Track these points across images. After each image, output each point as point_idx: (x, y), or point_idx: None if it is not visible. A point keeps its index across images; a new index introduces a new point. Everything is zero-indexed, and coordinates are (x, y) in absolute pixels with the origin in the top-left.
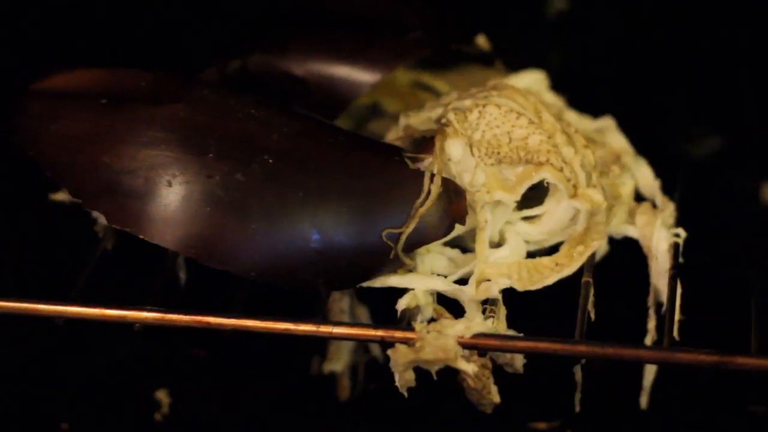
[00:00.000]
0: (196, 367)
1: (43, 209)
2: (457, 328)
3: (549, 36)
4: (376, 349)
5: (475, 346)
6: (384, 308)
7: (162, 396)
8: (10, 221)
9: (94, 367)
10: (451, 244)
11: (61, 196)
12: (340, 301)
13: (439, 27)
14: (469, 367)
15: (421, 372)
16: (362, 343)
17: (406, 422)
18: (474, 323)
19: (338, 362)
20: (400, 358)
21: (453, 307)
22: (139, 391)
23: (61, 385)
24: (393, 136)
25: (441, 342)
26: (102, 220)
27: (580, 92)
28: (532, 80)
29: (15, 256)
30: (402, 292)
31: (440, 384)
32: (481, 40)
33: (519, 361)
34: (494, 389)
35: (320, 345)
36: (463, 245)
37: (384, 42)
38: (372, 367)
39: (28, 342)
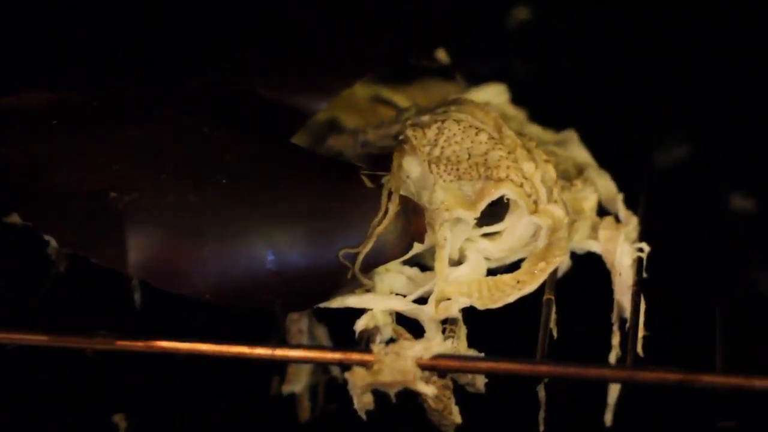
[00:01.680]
0: (154, 390)
1: None
2: (416, 350)
3: (511, 46)
4: (336, 369)
5: (434, 368)
6: (345, 327)
7: (119, 420)
8: None
9: (49, 390)
10: (411, 262)
11: (13, 218)
12: (299, 322)
13: (398, 41)
14: (428, 389)
15: (382, 391)
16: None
17: None
18: (433, 344)
19: (297, 383)
20: (357, 381)
21: (414, 326)
22: (96, 415)
23: (15, 411)
24: (351, 152)
25: (399, 364)
26: (54, 242)
27: (543, 103)
28: (493, 93)
29: None
30: (361, 312)
31: (401, 404)
32: (441, 54)
33: (480, 380)
34: (455, 410)
35: (279, 365)
36: (423, 263)
37: (342, 57)
38: (332, 386)
39: None
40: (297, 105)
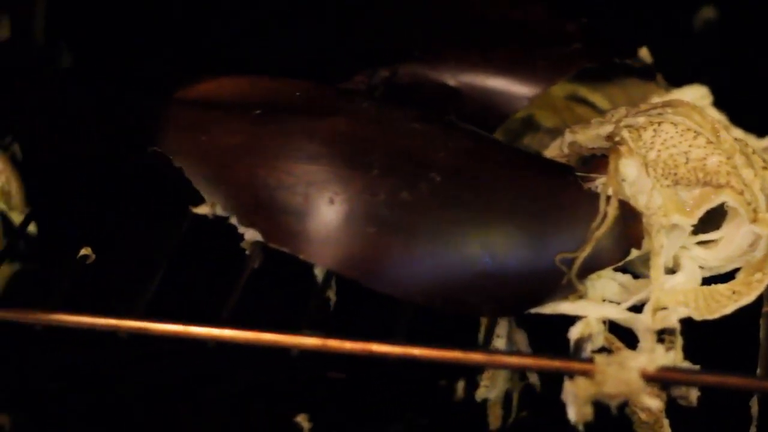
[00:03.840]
0: (336, 391)
1: (184, 224)
2: (640, 361)
3: (697, 48)
4: (534, 376)
5: (659, 380)
6: (541, 333)
7: (302, 420)
8: (150, 237)
9: (232, 391)
10: (621, 269)
11: (204, 209)
12: (498, 326)
13: (600, 38)
14: (654, 403)
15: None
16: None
17: None
18: (657, 355)
19: (493, 389)
20: (579, 391)
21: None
22: (279, 415)
23: (199, 411)
24: (553, 152)
25: (623, 375)
26: (249, 236)
27: (734, 108)
28: (696, 96)
29: (158, 274)
30: (560, 318)
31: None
32: (644, 53)
33: (694, 394)
34: (666, 423)
35: (468, 369)
36: (632, 270)
37: (544, 53)
38: (525, 393)
39: (159, 365)
40: (497, 102)
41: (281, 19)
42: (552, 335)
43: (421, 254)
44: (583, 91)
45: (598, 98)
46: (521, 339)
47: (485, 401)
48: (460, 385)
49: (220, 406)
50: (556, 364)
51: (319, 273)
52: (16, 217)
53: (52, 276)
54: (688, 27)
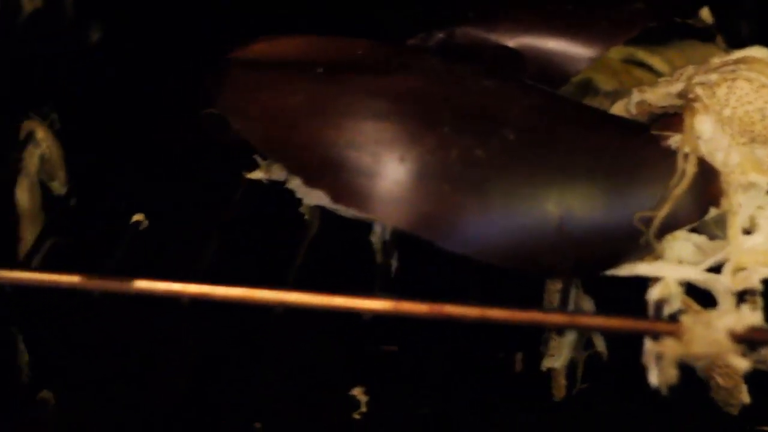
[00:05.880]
0: (390, 363)
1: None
2: (727, 321)
3: (738, 8)
4: (601, 344)
5: (748, 340)
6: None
7: (359, 394)
8: (205, 205)
9: (284, 364)
10: (695, 229)
11: (258, 174)
12: (557, 292)
13: None
14: (743, 363)
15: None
16: (587, 337)
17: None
18: (745, 315)
19: (558, 359)
20: (667, 351)
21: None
22: (335, 389)
23: (254, 385)
24: (618, 113)
25: (711, 335)
26: (308, 200)
27: None
28: (758, 56)
29: (213, 241)
30: (621, 281)
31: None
32: (705, 13)
33: None
34: (744, 388)
35: (528, 339)
36: (705, 231)
37: (606, 12)
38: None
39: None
40: (557, 64)
41: None
42: None
43: (495, 213)
44: (641, 54)
45: (656, 61)
46: (588, 306)
47: (544, 374)
48: (518, 357)
49: (275, 383)
50: (641, 325)
51: (375, 240)
52: (56, 187)
53: (84, 246)
54: None
